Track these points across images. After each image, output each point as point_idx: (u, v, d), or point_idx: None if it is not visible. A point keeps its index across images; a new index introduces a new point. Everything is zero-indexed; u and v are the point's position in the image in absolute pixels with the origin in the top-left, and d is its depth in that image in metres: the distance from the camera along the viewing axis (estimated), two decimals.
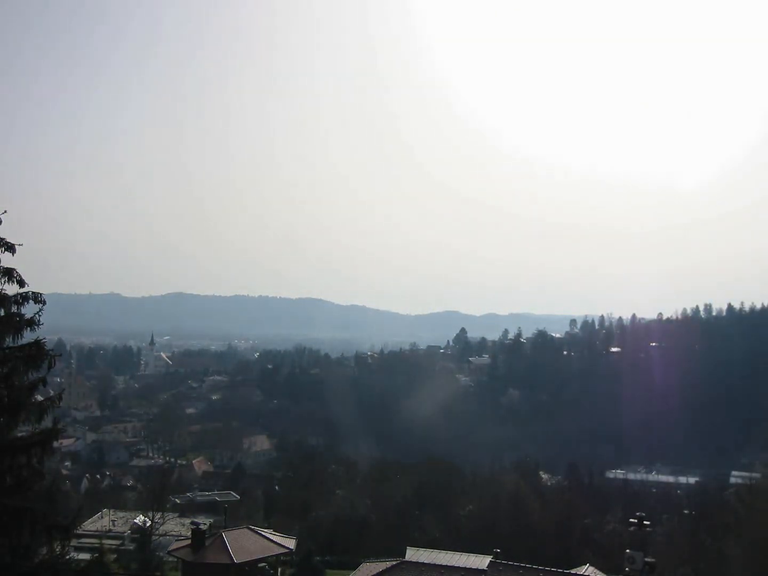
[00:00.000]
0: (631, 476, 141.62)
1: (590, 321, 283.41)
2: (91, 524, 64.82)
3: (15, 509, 17.83)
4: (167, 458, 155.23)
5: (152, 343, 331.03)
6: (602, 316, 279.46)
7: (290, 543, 36.59)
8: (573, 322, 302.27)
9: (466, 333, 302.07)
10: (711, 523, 63.73)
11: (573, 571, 38.19)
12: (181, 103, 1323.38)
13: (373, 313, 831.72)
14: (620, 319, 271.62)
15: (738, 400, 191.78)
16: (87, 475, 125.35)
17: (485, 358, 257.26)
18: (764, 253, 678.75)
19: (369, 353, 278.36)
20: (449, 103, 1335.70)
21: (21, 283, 19.54)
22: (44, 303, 19.81)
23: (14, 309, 19.60)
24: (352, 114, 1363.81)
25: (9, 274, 19.49)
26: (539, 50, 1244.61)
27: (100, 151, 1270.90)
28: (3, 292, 19.53)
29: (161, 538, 52.67)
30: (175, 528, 58.45)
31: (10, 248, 19.40)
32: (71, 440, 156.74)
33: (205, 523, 36.75)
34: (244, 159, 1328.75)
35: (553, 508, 66.85)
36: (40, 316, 19.71)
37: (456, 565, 30.26)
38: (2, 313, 19.47)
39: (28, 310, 19.77)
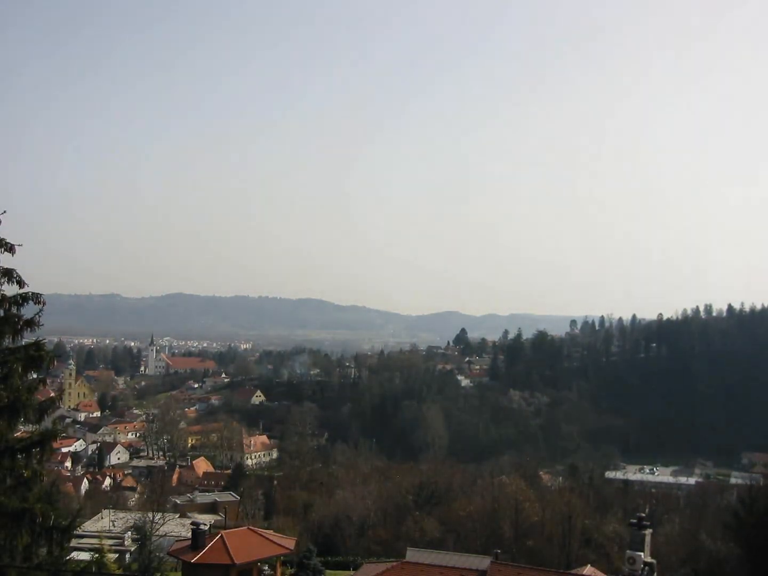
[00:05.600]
0: (631, 476, 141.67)
1: (590, 322, 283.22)
2: (91, 524, 64.79)
3: (15, 510, 17.82)
4: (167, 459, 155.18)
5: (152, 343, 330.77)
6: (602, 317, 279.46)
7: (290, 543, 36.49)
8: (573, 322, 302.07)
9: (466, 333, 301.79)
10: (711, 523, 63.75)
11: (573, 572, 38.18)
12: (184, 103, 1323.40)
13: (373, 313, 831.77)
14: (620, 319, 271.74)
15: (738, 401, 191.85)
16: (87, 475, 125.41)
17: (485, 359, 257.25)
18: (764, 253, 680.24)
19: (369, 353, 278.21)
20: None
21: (20, 283, 19.44)
22: (44, 304, 19.70)
23: (13, 310, 19.53)
24: (355, 117, 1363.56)
25: (9, 274, 19.40)
26: None
27: (101, 151, 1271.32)
28: (2, 292, 19.47)
29: (161, 538, 52.65)
30: (175, 528, 58.39)
31: (10, 249, 19.33)
32: (71, 441, 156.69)
33: (205, 524, 36.74)
34: (246, 160, 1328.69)
35: (553, 508, 66.82)
36: (39, 316, 19.62)
37: (456, 566, 30.21)
38: (1, 314, 19.41)
39: (28, 310, 19.69)
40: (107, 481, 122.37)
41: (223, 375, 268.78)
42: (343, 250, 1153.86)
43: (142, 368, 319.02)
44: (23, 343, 19.89)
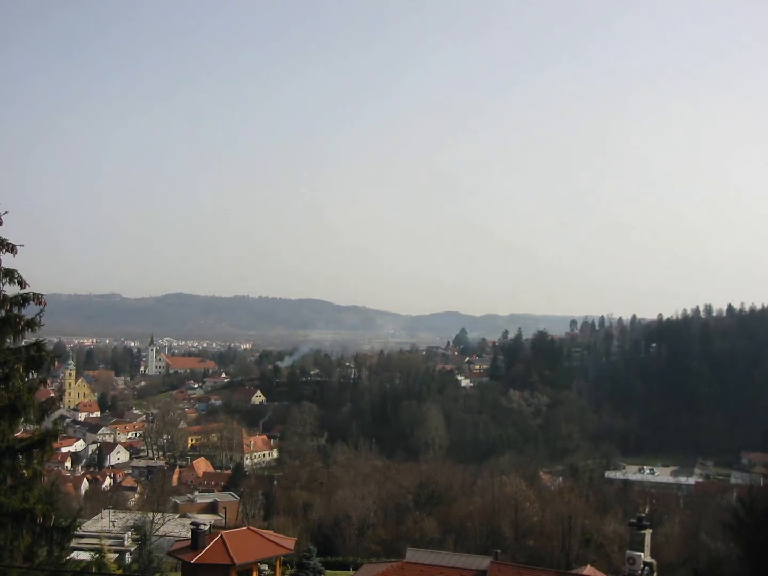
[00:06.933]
0: (631, 476, 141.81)
1: (590, 321, 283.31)
2: (91, 524, 64.92)
3: (16, 510, 17.84)
4: (167, 459, 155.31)
5: (152, 343, 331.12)
6: (602, 317, 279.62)
7: (290, 543, 36.49)
8: (573, 322, 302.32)
9: (466, 333, 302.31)
10: (711, 523, 63.82)
11: (573, 572, 38.22)
12: (185, 104, 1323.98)
13: (373, 313, 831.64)
14: (620, 319, 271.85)
15: (738, 401, 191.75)
16: (87, 475, 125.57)
17: (485, 359, 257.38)
18: (764, 253, 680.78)
19: (369, 353, 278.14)
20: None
21: (21, 284, 19.47)
22: (45, 304, 19.75)
23: (15, 310, 19.55)
24: (358, 117, 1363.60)
25: (10, 275, 19.43)
26: None
27: (101, 152, 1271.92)
28: (3, 293, 19.49)
29: (161, 538, 52.73)
30: (175, 528, 58.52)
31: (11, 249, 19.35)
32: (71, 441, 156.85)
33: (205, 524, 36.76)
34: (247, 160, 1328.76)
35: (553, 508, 66.91)
36: (40, 317, 19.65)
37: (456, 566, 30.20)
38: (3, 315, 19.43)
39: (29, 311, 19.72)
40: (107, 481, 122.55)
41: (223, 375, 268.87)
42: (343, 249, 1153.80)
43: (142, 368, 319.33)
44: (24, 343, 19.92)
